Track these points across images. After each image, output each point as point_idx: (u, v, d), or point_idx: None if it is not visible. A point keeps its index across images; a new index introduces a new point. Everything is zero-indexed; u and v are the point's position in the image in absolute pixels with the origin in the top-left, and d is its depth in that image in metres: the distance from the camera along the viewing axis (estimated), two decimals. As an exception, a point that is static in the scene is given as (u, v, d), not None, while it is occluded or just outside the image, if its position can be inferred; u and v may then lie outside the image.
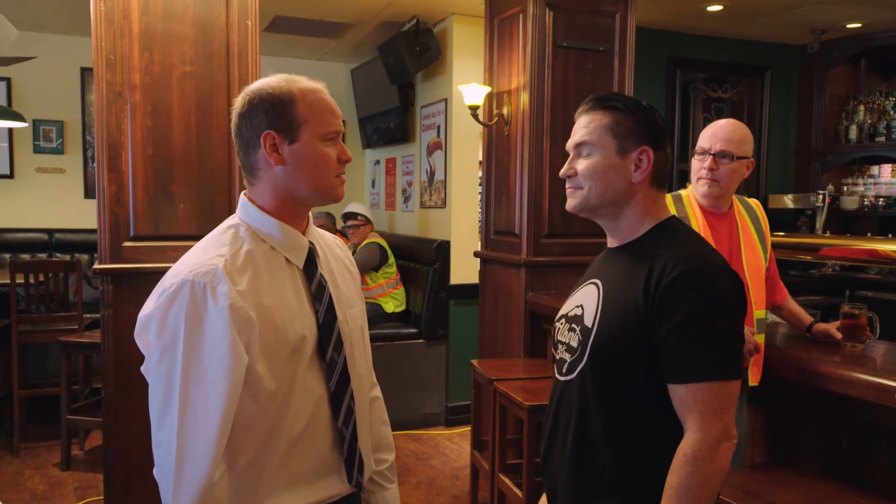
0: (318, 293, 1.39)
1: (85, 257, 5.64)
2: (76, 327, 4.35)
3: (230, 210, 2.62)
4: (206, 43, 2.60)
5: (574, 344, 1.49)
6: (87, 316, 4.52)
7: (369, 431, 1.51)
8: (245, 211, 1.38)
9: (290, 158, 1.33)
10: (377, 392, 1.63)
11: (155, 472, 1.27)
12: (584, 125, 1.48)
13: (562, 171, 1.52)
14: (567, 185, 1.51)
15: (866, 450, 2.21)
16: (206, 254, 1.30)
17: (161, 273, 1.34)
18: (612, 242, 1.54)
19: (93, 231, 3.09)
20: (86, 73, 5.73)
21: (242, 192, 1.40)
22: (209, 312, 1.24)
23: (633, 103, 1.48)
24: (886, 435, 2.14)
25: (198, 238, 1.41)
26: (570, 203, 1.51)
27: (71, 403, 4.09)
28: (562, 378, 1.52)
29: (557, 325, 1.58)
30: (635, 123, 1.45)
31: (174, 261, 1.34)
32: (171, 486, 1.23)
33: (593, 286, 1.52)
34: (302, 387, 1.34)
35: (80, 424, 4.14)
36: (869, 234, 5.27)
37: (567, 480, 1.47)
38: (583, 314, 1.49)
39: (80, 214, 5.80)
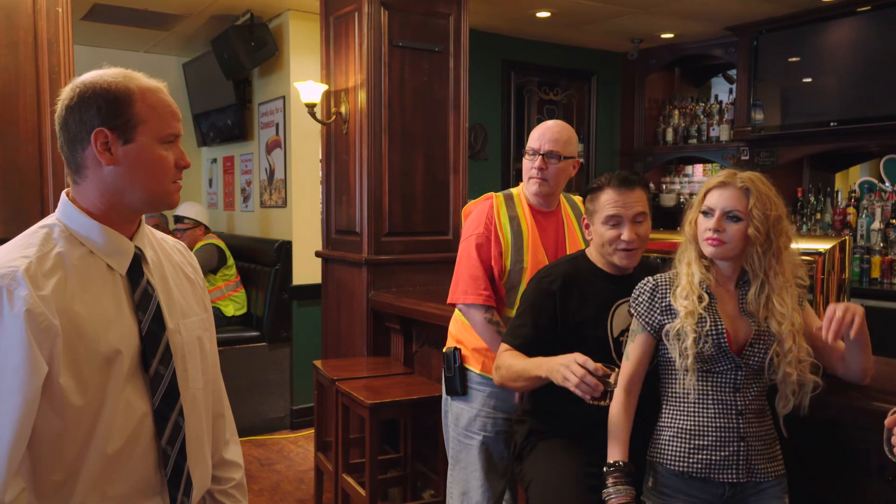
0: (143, 302, 1.30)
1: None
2: None
3: (42, 211, 2.43)
4: (9, 30, 2.38)
5: None
6: None
7: (206, 450, 1.43)
8: (64, 211, 1.28)
9: (123, 159, 1.25)
10: (223, 408, 1.54)
11: None
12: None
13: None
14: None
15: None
16: (9, 255, 1.20)
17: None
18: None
19: None
20: None
21: (64, 191, 1.31)
22: (4, 318, 1.14)
23: None
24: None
25: (2, 243, 1.30)
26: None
27: None
28: None
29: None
30: None
31: None
32: None
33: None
34: (120, 402, 1.25)
35: None
36: (678, 228, 5.76)
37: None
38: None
39: None
